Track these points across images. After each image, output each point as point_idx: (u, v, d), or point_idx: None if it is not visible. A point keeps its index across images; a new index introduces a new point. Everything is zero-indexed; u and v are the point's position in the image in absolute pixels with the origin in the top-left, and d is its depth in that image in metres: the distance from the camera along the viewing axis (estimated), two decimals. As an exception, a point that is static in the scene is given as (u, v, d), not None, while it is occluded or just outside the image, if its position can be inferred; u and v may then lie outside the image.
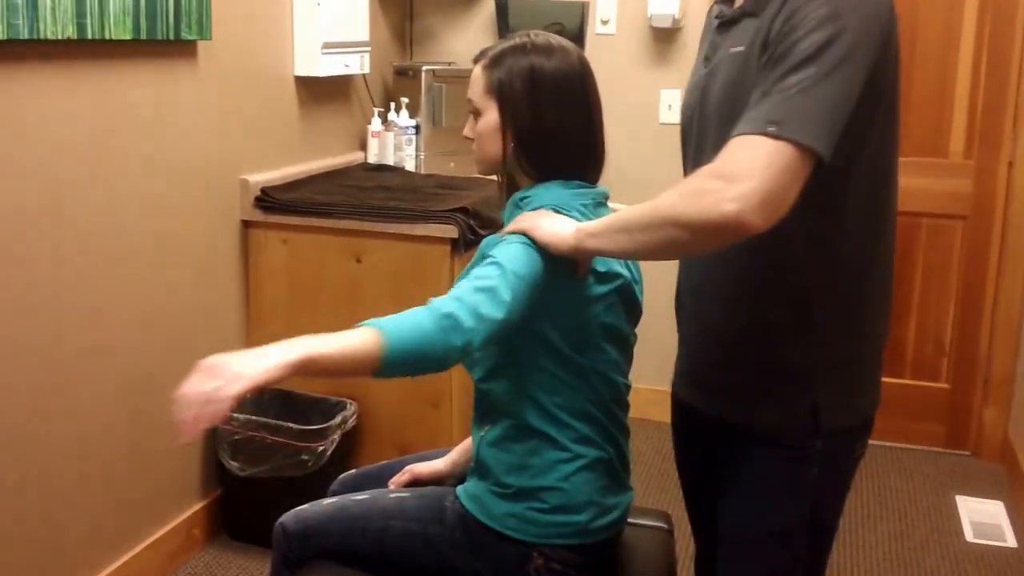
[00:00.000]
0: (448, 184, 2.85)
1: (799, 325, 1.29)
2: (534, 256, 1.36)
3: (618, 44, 3.28)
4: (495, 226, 1.48)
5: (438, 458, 1.75)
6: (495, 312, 1.26)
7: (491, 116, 1.49)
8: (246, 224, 2.60)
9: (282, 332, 2.60)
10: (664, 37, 3.26)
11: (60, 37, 1.89)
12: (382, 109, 3.17)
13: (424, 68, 3.11)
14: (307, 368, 1.15)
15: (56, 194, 1.98)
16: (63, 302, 2.03)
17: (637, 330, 1.57)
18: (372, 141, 3.13)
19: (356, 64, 2.94)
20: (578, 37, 3.19)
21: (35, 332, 1.96)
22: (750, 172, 1.08)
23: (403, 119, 3.13)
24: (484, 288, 1.28)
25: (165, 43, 2.22)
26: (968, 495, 3.03)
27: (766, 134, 1.09)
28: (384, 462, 1.81)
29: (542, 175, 1.50)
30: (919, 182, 3.19)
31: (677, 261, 1.45)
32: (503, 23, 3.31)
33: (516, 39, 1.50)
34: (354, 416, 2.53)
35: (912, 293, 3.28)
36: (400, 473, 1.71)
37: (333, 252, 2.54)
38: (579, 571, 1.48)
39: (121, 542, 2.27)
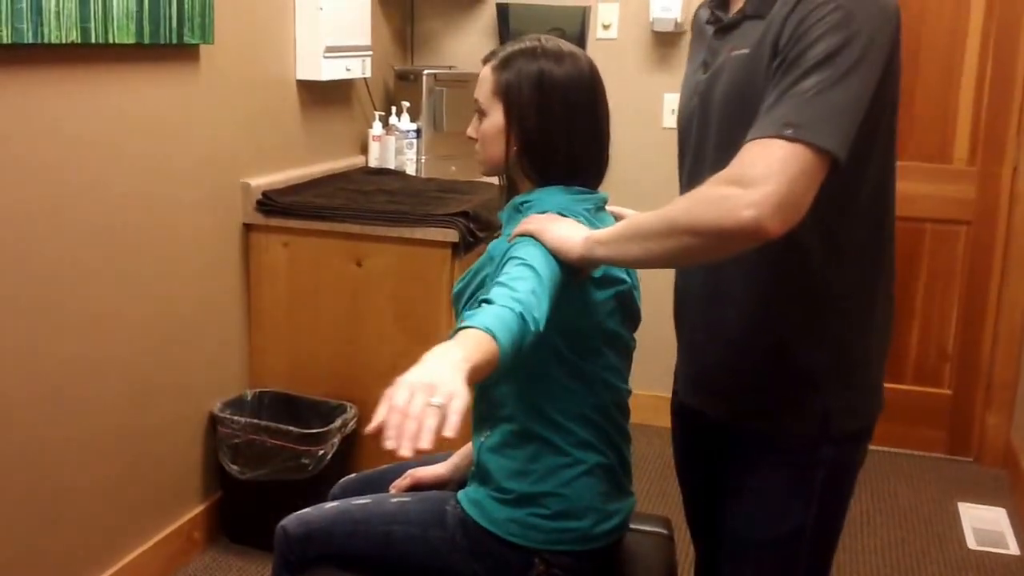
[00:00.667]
0: (449, 188, 2.85)
1: (811, 329, 1.29)
2: (550, 257, 1.34)
3: (619, 48, 3.29)
4: (495, 230, 1.48)
5: (439, 462, 1.74)
6: (540, 317, 1.23)
7: (496, 118, 1.49)
8: (247, 227, 2.60)
9: (283, 334, 2.64)
10: (666, 41, 3.26)
11: (64, 41, 1.89)
12: (383, 113, 3.18)
13: (425, 72, 3.11)
14: (473, 377, 1.08)
15: (59, 197, 1.98)
16: (65, 304, 2.03)
17: (637, 336, 1.56)
18: (373, 145, 3.13)
19: (357, 68, 2.94)
20: (579, 41, 3.19)
21: (36, 334, 1.96)
22: (766, 176, 1.08)
23: (404, 123, 3.13)
24: (533, 291, 1.24)
25: (168, 47, 2.23)
26: (970, 502, 3.02)
27: (782, 137, 1.09)
28: (385, 466, 1.81)
29: (543, 180, 1.50)
30: (923, 187, 3.18)
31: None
32: (504, 27, 3.31)
33: (527, 42, 1.50)
34: (354, 419, 2.53)
35: (915, 298, 3.27)
36: (401, 477, 1.71)
37: (334, 255, 2.55)
38: (580, 577, 1.48)
39: (121, 544, 2.27)
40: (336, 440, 2.44)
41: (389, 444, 0.97)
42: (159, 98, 2.24)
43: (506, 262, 1.33)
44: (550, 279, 1.30)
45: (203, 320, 2.47)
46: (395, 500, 1.59)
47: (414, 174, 3.12)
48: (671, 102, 3.27)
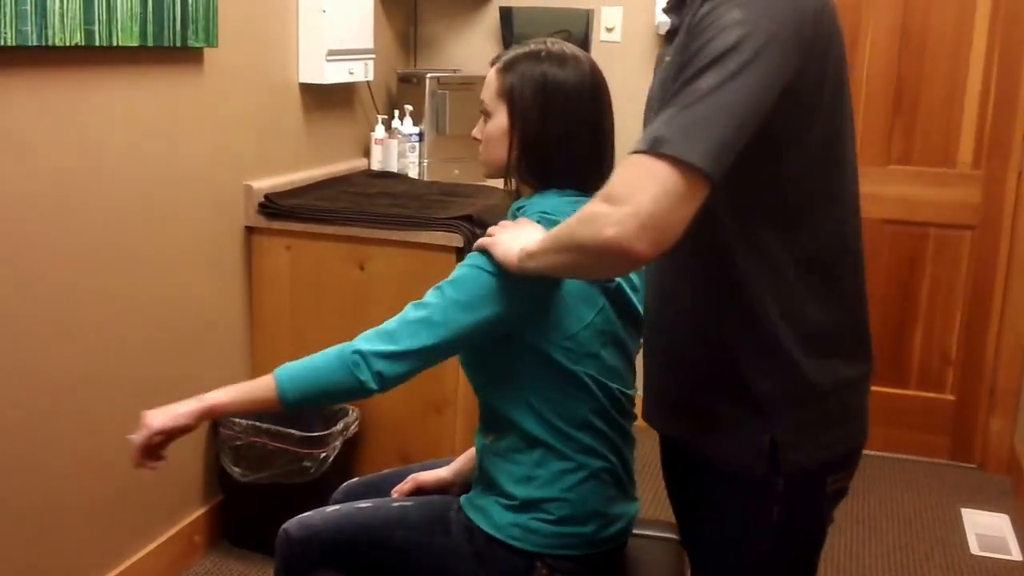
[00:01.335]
0: (452, 191, 2.84)
1: (759, 354, 1.19)
2: (481, 281, 1.38)
3: (623, 52, 3.28)
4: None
5: (442, 466, 1.74)
6: (422, 341, 1.37)
7: (500, 120, 1.50)
8: (250, 230, 2.60)
9: (285, 338, 2.63)
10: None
11: (68, 44, 1.89)
12: (386, 116, 3.18)
13: (428, 75, 3.11)
14: (212, 414, 1.44)
15: (61, 199, 1.98)
16: (67, 305, 2.02)
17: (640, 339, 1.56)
18: (376, 148, 3.13)
19: (360, 71, 2.94)
20: (583, 44, 3.19)
21: (38, 336, 1.96)
22: (630, 195, 1.02)
23: (407, 126, 3.13)
24: (415, 319, 1.39)
25: (172, 50, 2.23)
26: (973, 507, 3.01)
27: (648, 152, 1.02)
28: (387, 471, 1.80)
29: (542, 184, 1.50)
30: (927, 192, 3.18)
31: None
32: (508, 30, 3.31)
33: (532, 45, 1.50)
34: (356, 423, 2.53)
35: (919, 303, 3.26)
36: (403, 482, 1.71)
37: (336, 259, 2.54)
38: (583, 582, 1.47)
39: (122, 548, 2.27)
40: (338, 443, 2.43)
41: None
42: (162, 101, 2.23)
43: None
44: (467, 300, 1.38)
45: (205, 322, 2.47)
46: (397, 505, 1.58)
47: (417, 177, 3.12)
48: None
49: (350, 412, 2.53)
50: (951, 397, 3.29)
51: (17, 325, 1.91)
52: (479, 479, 1.55)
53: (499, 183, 1.59)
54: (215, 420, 1.41)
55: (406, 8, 3.46)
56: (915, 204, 3.19)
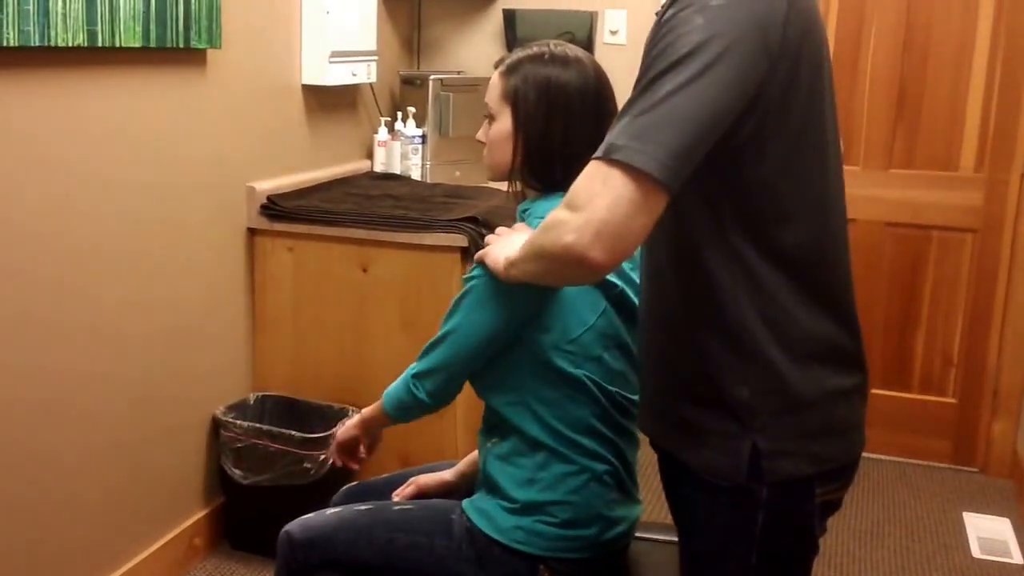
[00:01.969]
0: (455, 193, 2.84)
1: (740, 362, 1.16)
2: (484, 290, 1.43)
3: (627, 54, 3.28)
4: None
5: (444, 470, 1.74)
6: (448, 354, 1.49)
7: (504, 122, 1.50)
8: (252, 232, 2.60)
9: (288, 340, 2.63)
10: (672, 48, 3.26)
11: (71, 44, 1.89)
12: (389, 118, 3.18)
13: (431, 77, 3.11)
14: (366, 425, 1.68)
15: (63, 200, 1.98)
16: (69, 306, 2.02)
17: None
18: (379, 150, 3.13)
19: (363, 73, 2.94)
20: (587, 47, 3.18)
21: (39, 336, 1.96)
22: (586, 202, 1.01)
23: (410, 128, 3.13)
24: (441, 335, 1.50)
25: (175, 51, 2.23)
26: (975, 511, 3.00)
27: (603, 159, 1.02)
28: (387, 474, 1.80)
29: (545, 186, 1.50)
30: (930, 195, 3.18)
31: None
32: (511, 33, 3.31)
33: (535, 48, 1.50)
34: (359, 425, 2.52)
35: (921, 306, 3.26)
36: (405, 485, 1.70)
37: (339, 261, 2.54)
38: (586, 585, 1.47)
39: (123, 550, 2.26)
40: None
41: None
42: (165, 102, 2.23)
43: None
44: (479, 325, 1.45)
45: (207, 324, 2.47)
46: (398, 507, 1.59)
47: (420, 179, 3.12)
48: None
49: (351, 413, 2.53)
50: (953, 400, 3.29)
51: (18, 325, 1.91)
52: (481, 482, 1.54)
53: (502, 185, 1.59)
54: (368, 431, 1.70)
55: (409, 10, 3.46)
56: (917, 207, 3.19)
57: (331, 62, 2.75)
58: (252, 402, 2.59)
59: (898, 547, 2.78)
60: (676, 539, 1.69)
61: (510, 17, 3.30)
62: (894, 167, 3.20)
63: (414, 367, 1.55)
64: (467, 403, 2.48)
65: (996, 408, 3.24)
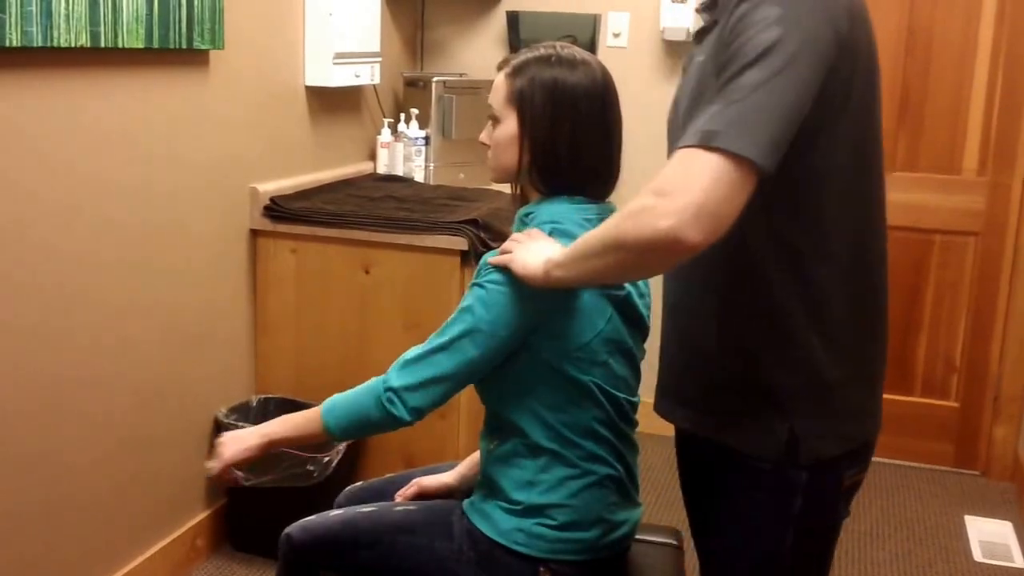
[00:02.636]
0: (458, 195, 2.84)
1: (778, 346, 1.22)
2: (500, 299, 1.38)
3: (630, 57, 3.28)
4: (505, 238, 1.47)
5: (445, 471, 1.74)
6: (450, 366, 1.41)
7: (509, 125, 1.48)
8: (255, 233, 2.60)
9: (290, 341, 2.63)
10: (676, 50, 3.26)
11: (74, 45, 1.89)
12: (392, 120, 3.18)
13: (435, 79, 3.11)
14: (271, 447, 1.53)
15: (66, 201, 1.98)
16: (72, 308, 2.02)
17: (646, 344, 1.55)
18: (382, 151, 3.13)
19: (367, 74, 2.94)
20: (590, 49, 3.18)
21: (42, 338, 1.96)
22: (684, 186, 1.05)
23: (413, 130, 3.13)
24: (442, 347, 1.42)
25: (177, 52, 2.23)
26: (977, 515, 3.00)
27: (700, 146, 1.06)
28: (390, 475, 1.80)
29: (550, 190, 1.49)
30: (932, 198, 3.17)
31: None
32: (514, 35, 3.31)
33: (542, 50, 1.49)
34: (360, 427, 2.52)
35: (923, 310, 3.25)
36: (407, 486, 1.70)
37: (342, 262, 2.54)
38: (586, 587, 1.47)
39: (125, 551, 2.27)
40: (341, 448, 2.43)
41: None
42: (168, 103, 2.24)
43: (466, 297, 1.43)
44: (500, 323, 1.39)
45: (209, 325, 2.47)
46: (400, 509, 1.58)
47: (422, 181, 3.12)
48: (679, 111, 3.27)
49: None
50: (955, 404, 3.29)
51: (20, 326, 1.91)
52: (482, 484, 1.54)
53: (506, 187, 1.59)
54: (273, 451, 1.56)
55: (413, 12, 3.46)
56: (920, 211, 3.18)
57: (335, 63, 2.76)
58: (254, 404, 2.60)
59: (900, 550, 2.77)
60: (672, 542, 1.70)
61: (513, 19, 3.31)
62: (896, 170, 3.20)
63: (393, 380, 1.42)
64: (469, 405, 2.49)
65: (998, 412, 3.23)
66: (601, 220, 1.48)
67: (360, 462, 2.55)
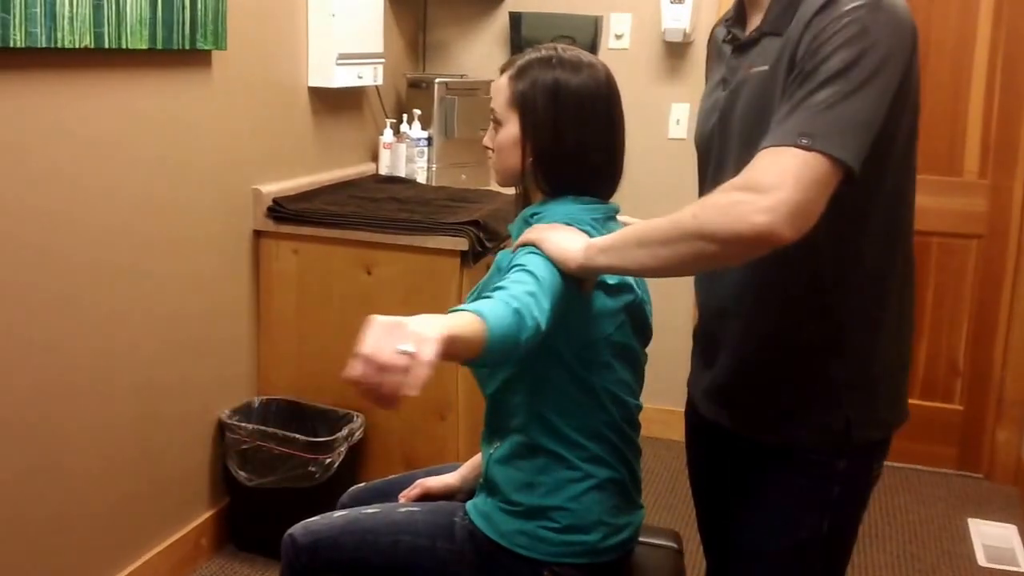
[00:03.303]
0: (459, 196, 2.84)
1: (830, 341, 1.29)
2: (551, 265, 1.33)
3: (631, 58, 3.28)
4: (505, 240, 1.47)
5: (449, 472, 1.73)
6: (541, 316, 1.23)
7: (512, 128, 1.48)
8: (257, 234, 2.60)
9: (292, 341, 2.63)
10: (676, 52, 3.26)
11: (77, 46, 1.90)
12: (394, 120, 3.18)
13: (437, 80, 3.11)
14: (449, 346, 1.06)
15: (69, 201, 1.98)
16: (75, 308, 2.02)
17: (647, 349, 1.55)
18: (384, 152, 3.13)
19: (369, 75, 2.94)
20: (591, 51, 3.17)
21: (45, 338, 1.96)
22: (781, 183, 1.09)
23: (415, 131, 3.13)
24: (530, 292, 1.24)
25: (180, 52, 2.23)
26: (981, 518, 2.99)
27: (797, 146, 1.10)
28: (394, 476, 1.80)
29: (555, 191, 1.49)
30: (933, 201, 3.16)
31: (692, 286, 1.45)
32: (517, 36, 3.31)
33: (543, 51, 1.48)
34: (361, 428, 2.52)
35: (924, 313, 3.25)
36: (411, 487, 1.70)
37: (344, 263, 2.54)
38: (588, 590, 1.46)
39: (128, 551, 2.27)
40: (343, 449, 2.43)
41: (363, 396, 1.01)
42: (171, 103, 2.24)
43: (510, 270, 1.33)
44: (551, 285, 1.29)
45: (212, 326, 2.47)
46: (403, 510, 1.58)
47: (424, 182, 3.12)
48: (677, 112, 3.27)
49: (355, 418, 2.53)
50: (958, 407, 3.28)
51: (24, 328, 1.91)
52: (483, 485, 1.54)
53: (508, 189, 1.58)
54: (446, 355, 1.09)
55: (415, 13, 3.46)
56: (921, 213, 3.09)
57: (337, 64, 2.76)
58: (257, 405, 2.60)
59: (903, 553, 2.77)
60: (672, 544, 1.70)
61: (516, 20, 3.31)
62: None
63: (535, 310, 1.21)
64: (469, 406, 2.49)
65: (1001, 415, 3.22)
66: (608, 219, 1.48)
67: (361, 463, 2.55)
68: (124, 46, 2.02)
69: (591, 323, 1.41)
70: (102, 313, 2.10)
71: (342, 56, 2.77)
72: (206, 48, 2.28)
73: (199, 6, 2.22)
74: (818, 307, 1.29)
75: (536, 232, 1.38)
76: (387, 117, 3.18)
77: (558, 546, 1.45)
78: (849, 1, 1.15)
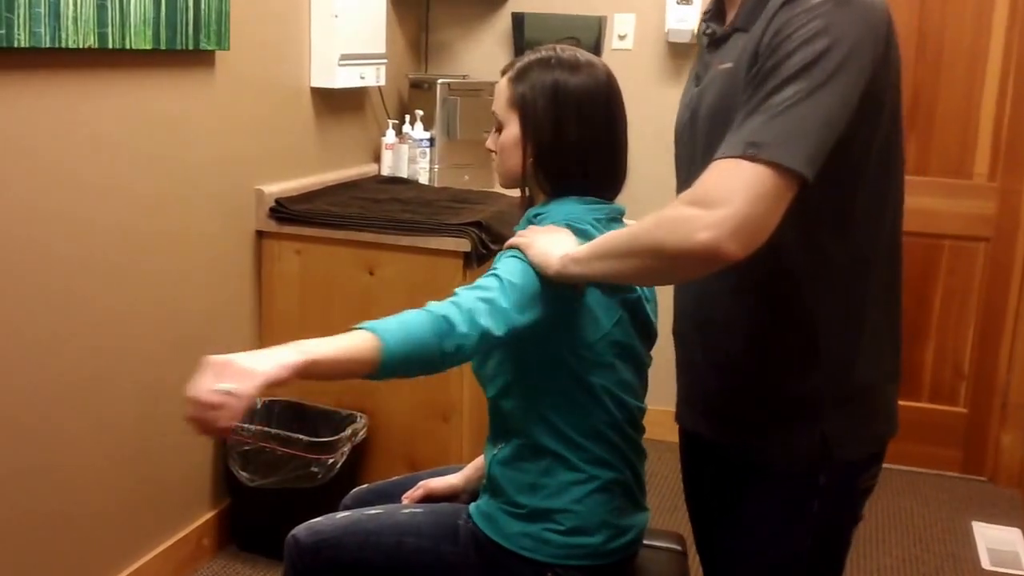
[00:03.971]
0: (461, 197, 2.84)
1: (806, 355, 1.24)
2: (529, 269, 1.35)
3: (635, 59, 3.28)
4: (506, 240, 1.47)
5: (453, 473, 1.73)
6: (492, 321, 1.27)
7: (513, 130, 1.48)
8: (260, 234, 2.60)
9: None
10: (681, 53, 3.25)
11: (81, 46, 1.89)
12: (397, 121, 3.18)
13: (439, 81, 3.11)
14: (309, 370, 1.17)
15: (72, 201, 1.98)
16: (77, 307, 2.02)
17: (652, 352, 1.54)
18: (386, 153, 3.13)
19: (372, 76, 2.94)
20: (595, 51, 3.17)
21: (46, 337, 1.96)
22: (727, 198, 1.05)
23: (417, 132, 3.13)
24: (484, 298, 1.29)
25: (184, 53, 2.23)
26: (985, 521, 2.98)
27: (745, 157, 1.05)
28: (397, 477, 1.79)
29: (558, 191, 1.49)
30: (942, 203, 3.16)
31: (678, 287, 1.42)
32: (519, 37, 3.31)
33: (543, 52, 1.49)
34: (364, 429, 2.52)
35: (931, 315, 3.24)
36: (414, 488, 1.70)
37: (346, 264, 2.54)
38: (592, 593, 1.46)
39: (130, 551, 2.26)
40: (346, 449, 2.43)
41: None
42: (174, 103, 2.24)
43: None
44: (523, 289, 1.32)
45: (214, 326, 2.47)
46: (407, 511, 1.57)
47: (427, 183, 3.12)
48: (683, 113, 3.26)
49: (358, 418, 2.53)
50: (963, 410, 3.27)
51: (26, 328, 1.91)
52: (486, 487, 1.54)
53: (514, 190, 1.58)
54: (307, 378, 1.16)
55: (418, 13, 3.46)
56: (930, 215, 3.17)
57: (340, 65, 2.76)
58: (259, 406, 2.59)
59: (906, 556, 2.76)
60: (676, 547, 1.69)
61: (519, 21, 3.30)
62: (907, 175, 3.17)
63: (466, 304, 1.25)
64: (472, 407, 2.48)
65: (1005, 418, 3.22)
66: (611, 220, 1.48)
67: (364, 464, 2.55)
68: (128, 46, 2.01)
69: (588, 321, 1.41)
70: (104, 312, 2.10)
71: (344, 57, 2.77)
72: (209, 49, 2.28)
73: (203, 7, 2.22)
74: (788, 319, 1.24)
75: (527, 236, 1.40)
76: (389, 118, 3.18)
77: (562, 548, 1.44)
78: None
